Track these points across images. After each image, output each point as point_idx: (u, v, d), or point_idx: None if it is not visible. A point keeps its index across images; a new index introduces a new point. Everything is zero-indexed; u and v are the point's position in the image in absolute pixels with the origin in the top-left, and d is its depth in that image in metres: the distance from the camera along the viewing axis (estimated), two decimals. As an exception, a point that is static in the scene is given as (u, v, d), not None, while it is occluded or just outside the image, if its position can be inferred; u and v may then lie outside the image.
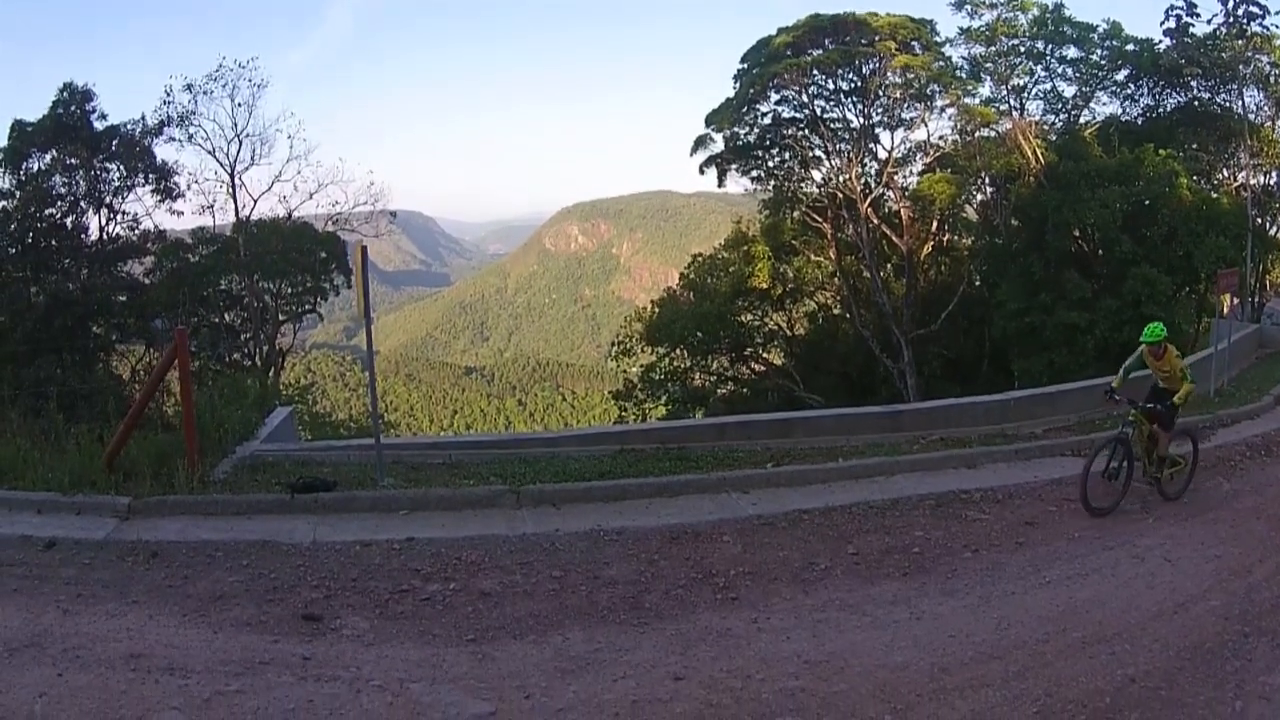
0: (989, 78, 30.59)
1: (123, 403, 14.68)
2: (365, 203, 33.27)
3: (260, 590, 6.68)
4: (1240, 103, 29.79)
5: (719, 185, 33.36)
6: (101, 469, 8.73)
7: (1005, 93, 30.71)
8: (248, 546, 7.43)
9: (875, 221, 31.00)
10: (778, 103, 31.24)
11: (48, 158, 27.16)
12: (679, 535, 8.09)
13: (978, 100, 30.07)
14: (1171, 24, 29.58)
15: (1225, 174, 31.57)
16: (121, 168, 28.32)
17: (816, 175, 32.52)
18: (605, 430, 13.10)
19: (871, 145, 31.80)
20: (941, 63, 29.89)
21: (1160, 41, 29.78)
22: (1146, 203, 26.42)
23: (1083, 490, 8.97)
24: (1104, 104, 31.80)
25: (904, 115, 31.24)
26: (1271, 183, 30.75)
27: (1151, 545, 8.24)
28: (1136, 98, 31.36)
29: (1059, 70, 30.76)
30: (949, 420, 12.68)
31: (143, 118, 29.09)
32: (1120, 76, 30.77)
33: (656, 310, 35.66)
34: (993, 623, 6.50)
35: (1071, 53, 30.28)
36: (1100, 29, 29.89)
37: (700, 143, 32.07)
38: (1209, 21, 29.28)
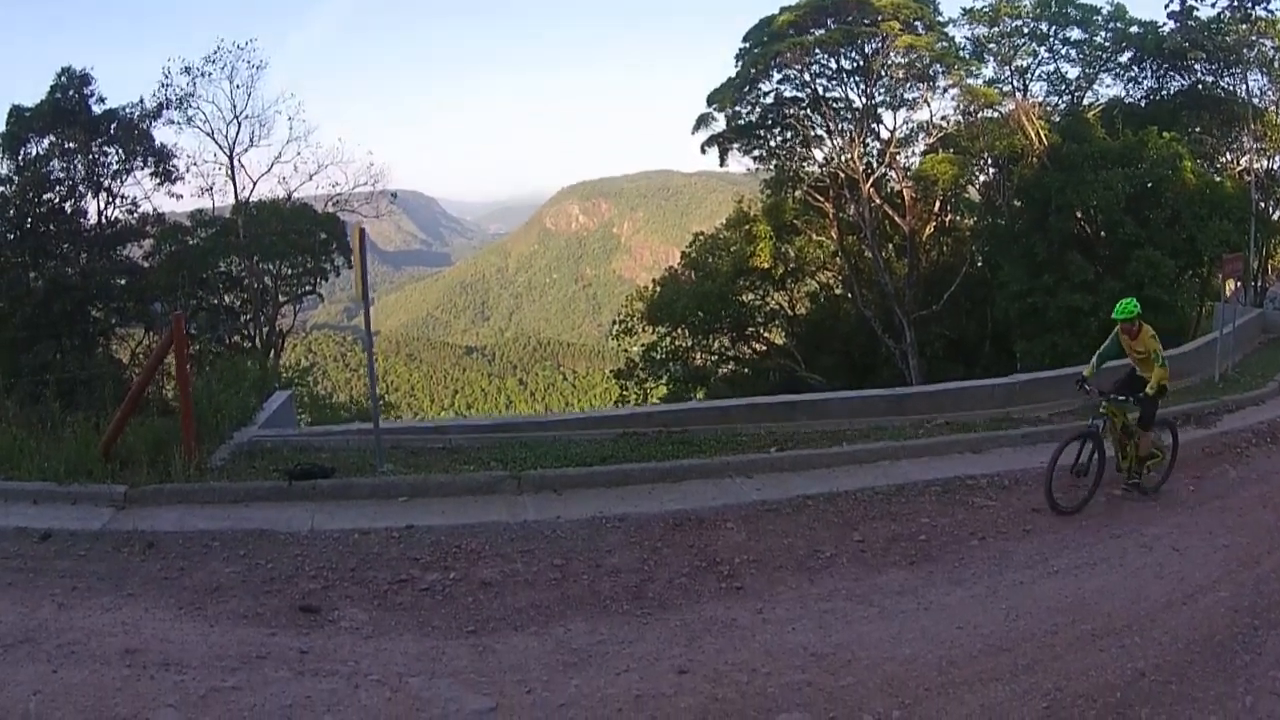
0: (992, 58, 30.43)
1: (121, 387, 14.57)
2: (365, 183, 33.38)
3: (257, 581, 6.58)
4: (1244, 87, 29.69)
5: (721, 164, 33.23)
6: (98, 457, 8.62)
7: (1008, 74, 30.57)
8: (245, 536, 7.32)
9: (877, 201, 30.85)
10: (780, 82, 31.04)
11: (46, 142, 27.05)
12: (682, 522, 7.97)
13: (980, 81, 29.88)
14: (1176, 6, 29.43)
15: (1228, 158, 31.53)
16: (120, 151, 28.19)
17: (818, 155, 32.40)
18: (607, 414, 13.00)
19: (874, 125, 31.64)
20: (944, 43, 29.62)
21: (1164, 24, 29.62)
22: (1149, 185, 26.27)
23: (1047, 487, 8.47)
24: (1107, 86, 31.71)
25: (906, 95, 31.10)
26: (1275, 167, 30.69)
27: (1159, 534, 8.12)
28: (1140, 80, 31.24)
29: (1062, 52, 30.61)
30: (954, 404, 12.58)
31: (141, 101, 29.07)
32: (1124, 59, 30.61)
33: (658, 289, 35.55)
34: (1001, 614, 6.40)
35: (1075, 34, 30.07)
36: (1104, 11, 29.75)
37: (702, 121, 31.86)
38: (1213, 5, 29.13)
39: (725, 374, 34.85)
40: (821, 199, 31.73)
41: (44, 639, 5.65)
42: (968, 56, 30.02)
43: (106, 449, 8.68)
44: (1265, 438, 11.76)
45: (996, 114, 29.22)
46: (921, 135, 31.98)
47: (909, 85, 30.59)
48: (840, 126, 31.17)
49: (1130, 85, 31.28)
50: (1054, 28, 29.74)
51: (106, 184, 27.81)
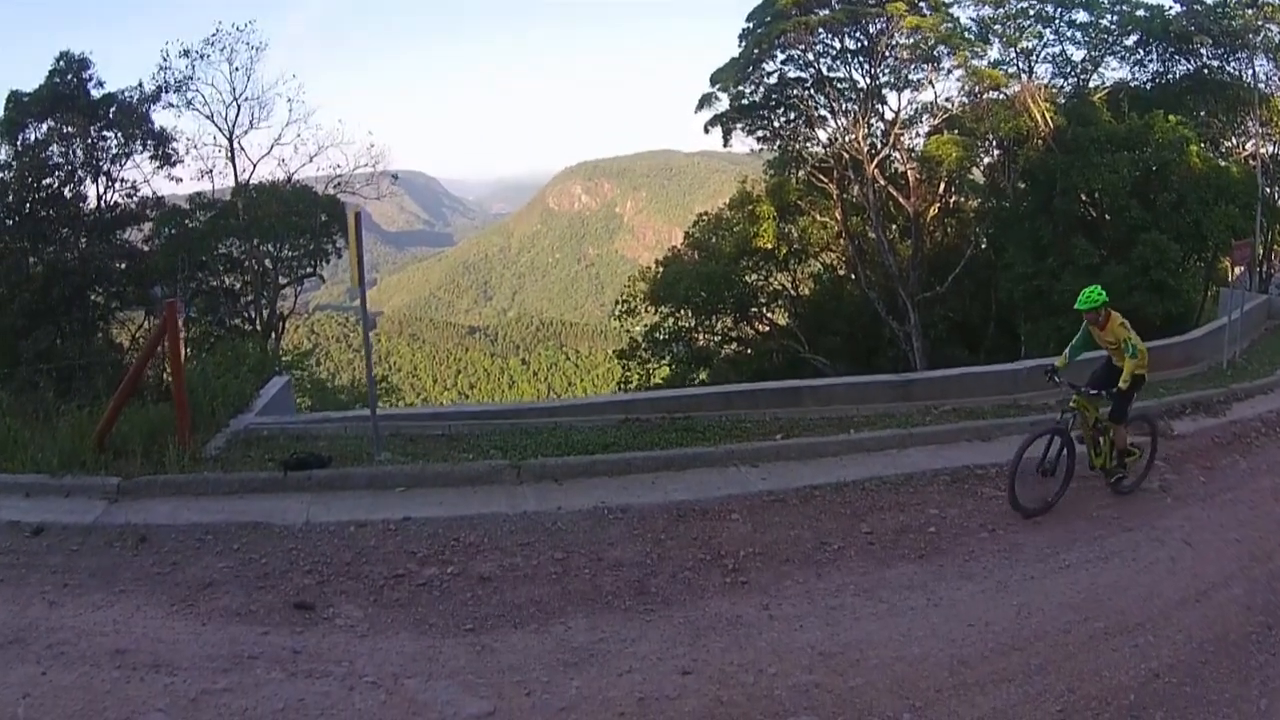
0: (997, 40, 30.22)
1: (119, 373, 14.42)
2: (366, 165, 33.13)
3: (251, 577, 6.44)
4: (1250, 71, 29.45)
5: (724, 145, 32.90)
6: (92, 448, 8.49)
7: (1013, 55, 30.39)
8: (239, 529, 7.18)
9: (882, 182, 30.57)
10: (783, 62, 30.72)
11: (44, 127, 26.75)
12: (686, 513, 7.79)
13: (985, 63, 29.60)
14: (1182, -11, 29.03)
15: (1234, 142, 31.31)
16: (119, 135, 27.89)
17: (822, 135, 32.12)
18: (609, 399, 12.83)
19: (878, 106, 31.32)
20: (949, 24, 29.26)
21: (1170, 7, 29.40)
22: (1155, 169, 26.04)
23: (1010, 486, 7.93)
24: (1113, 69, 31.49)
25: (911, 76, 30.79)
26: (1281, 152, 30.32)
27: (1171, 527, 7.93)
28: (1145, 64, 30.99)
29: (1068, 34, 30.41)
30: (960, 390, 12.37)
31: (140, 85, 28.74)
32: (1129, 42, 30.33)
33: (661, 270, 35.31)
34: (1012, 610, 6.25)
35: (1081, 16, 29.85)
36: (1110, -7, 29.37)
37: (705, 101, 31.52)
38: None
39: (728, 355, 34.66)
40: (825, 179, 31.44)
41: (34, 639, 5.53)
42: (973, 38, 29.70)
43: (100, 439, 8.54)
44: (1275, 427, 11.48)
45: (1002, 96, 28.89)
46: (926, 116, 31.74)
47: (914, 66, 30.28)
48: (844, 107, 30.85)
49: (1136, 68, 31.10)
50: (1059, 9, 29.55)
51: (106, 168, 27.51)
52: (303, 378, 28.66)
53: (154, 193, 28.90)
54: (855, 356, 31.74)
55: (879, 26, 29.33)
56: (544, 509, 7.79)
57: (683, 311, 33.62)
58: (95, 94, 27.28)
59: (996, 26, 29.98)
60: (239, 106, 30.62)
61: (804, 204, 32.60)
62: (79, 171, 26.95)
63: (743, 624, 5.98)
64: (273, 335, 30.10)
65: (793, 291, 34.62)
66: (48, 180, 26.31)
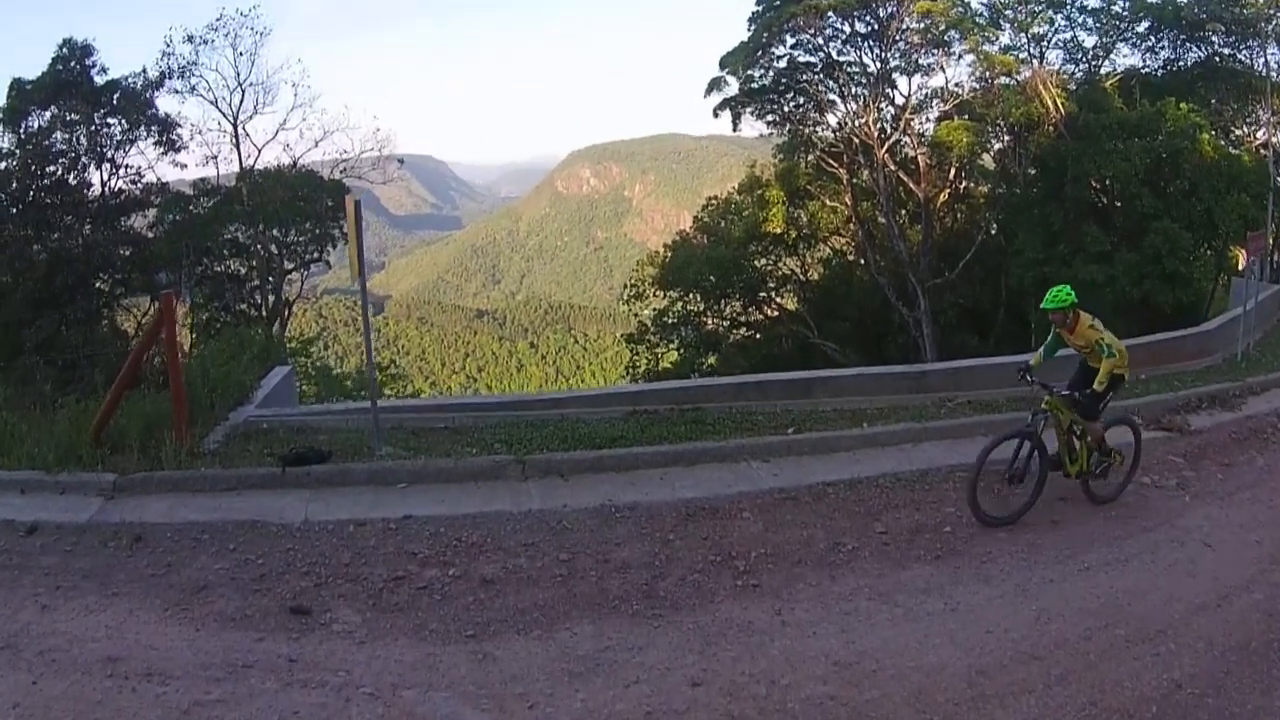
0: (1008, 25, 29.74)
1: (118, 363, 14.26)
2: (371, 149, 32.88)
3: (246, 579, 6.26)
4: (1262, 60, 29.04)
5: (734, 129, 32.46)
6: (89, 442, 8.32)
7: (1024, 41, 29.92)
8: (235, 528, 7.00)
9: (892, 167, 30.20)
10: (793, 46, 30.24)
11: (48, 115, 26.55)
12: (695, 511, 7.57)
13: (996, 48, 29.12)
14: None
15: (1245, 131, 30.93)
16: (123, 121, 27.70)
17: (832, 120, 31.73)
18: (617, 390, 12.65)
19: (888, 90, 30.89)
20: (960, 8, 28.82)
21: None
22: (1166, 157, 25.70)
23: (971, 491, 7.39)
24: (1125, 56, 30.97)
25: (922, 61, 30.27)
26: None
27: (1190, 527, 7.69)
28: (1157, 50, 30.49)
29: (1079, 20, 29.97)
30: (974, 381, 12.07)
31: (144, 71, 28.52)
32: (1141, 28, 29.84)
33: (669, 254, 35.06)
34: (1031, 616, 6.04)
35: (1092, 2, 29.55)
36: (1121, -22, 28.99)
37: (714, 85, 31.16)
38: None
39: (737, 339, 34.46)
40: (835, 164, 31.10)
41: (26, 645, 5.39)
42: (984, 23, 29.30)
43: (97, 433, 8.39)
44: (1292, 423, 11.20)
45: (1013, 82, 28.50)
46: (936, 101, 31.23)
47: (924, 51, 29.80)
48: (854, 91, 30.48)
49: (1147, 55, 30.64)
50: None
51: (110, 155, 27.33)
52: (307, 365, 28.54)
53: (158, 179, 28.76)
54: (865, 342, 31.56)
55: (889, 10, 28.89)
56: (549, 507, 7.59)
57: (692, 296, 33.44)
58: (98, 80, 27.06)
59: (1008, 11, 29.56)
60: (243, 92, 30.44)
61: (813, 188, 32.26)
62: (83, 158, 26.77)
63: (754, 630, 5.78)
64: (277, 322, 29.96)
65: (802, 276, 34.36)
66: (51, 168, 26.14)
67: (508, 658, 5.42)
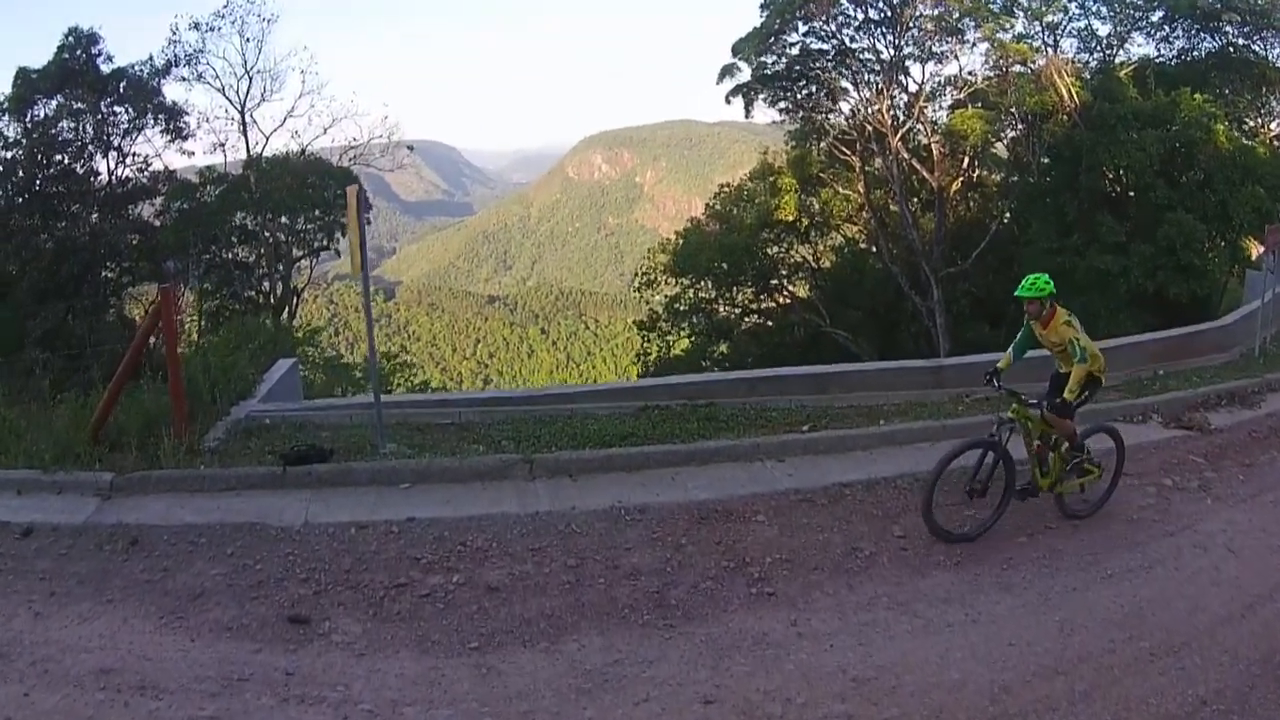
0: (1022, 13, 29.27)
1: (118, 357, 14.11)
2: (381, 136, 32.72)
3: (244, 586, 6.06)
4: (1277, 51, 28.67)
5: (746, 115, 32.15)
6: (87, 440, 8.13)
7: (1038, 29, 29.48)
8: (234, 531, 6.80)
9: (905, 155, 29.82)
10: (805, 33, 29.87)
11: (54, 104, 26.43)
12: (708, 514, 7.33)
13: (1010, 36, 28.68)
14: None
15: (1258, 122, 30.38)
16: (130, 110, 27.56)
17: (844, 107, 31.33)
18: (627, 385, 12.40)
19: (901, 78, 30.48)
20: (974, -4, 28.34)
21: (1197, -17, 28.43)
22: (1180, 147, 25.27)
23: (926, 504, 6.90)
24: (1139, 45, 30.60)
25: (935, 48, 29.80)
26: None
27: (1213, 531, 7.42)
28: (1171, 40, 30.03)
29: (1093, 8, 29.58)
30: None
31: (150, 59, 28.44)
32: (1155, 17, 29.41)
33: (681, 241, 34.79)
34: (1055, 627, 5.82)
35: (1107, -10, 29.02)
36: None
37: (727, 72, 30.82)
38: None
39: (748, 327, 34.17)
40: (848, 152, 30.77)
41: (18, 655, 5.22)
42: (998, 10, 28.86)
43: (95, 430, 8.21)
44: (1313, 421, 10.85)
45: (1027, 70, 28.10)
46: (950, 89, 30.87)
47: (938, 38, 29.37)
48: (867, 78, 30.10)
49: (1162, 45, 30.19)
50: (1086, -18, 28.74)
51: (116, 143, 27.20)
52: (313, 354, 28.42)
53: (166, 167, 28.70)
54: (877, 331, 31.27)
55: (903, -3, 28.53)
56: (557, 509, 7.36)
57: (703, 283, 33.16)
58: (105, 69, 26.91)
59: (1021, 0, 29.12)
60: (250, 79, 30.41)
61: (826, 176, 31.95)
62: (89, 147, 26.67)
63: (769, 643, 5.56)
64: (285, 311, 29.86)
65: (814, 264, 34.02)
66: (58, 156, 26.05)
67: (512, 672, 5.22)
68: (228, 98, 30.30)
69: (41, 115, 26.21)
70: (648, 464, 8.35)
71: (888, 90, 29.71)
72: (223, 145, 30.05)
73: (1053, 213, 26.89)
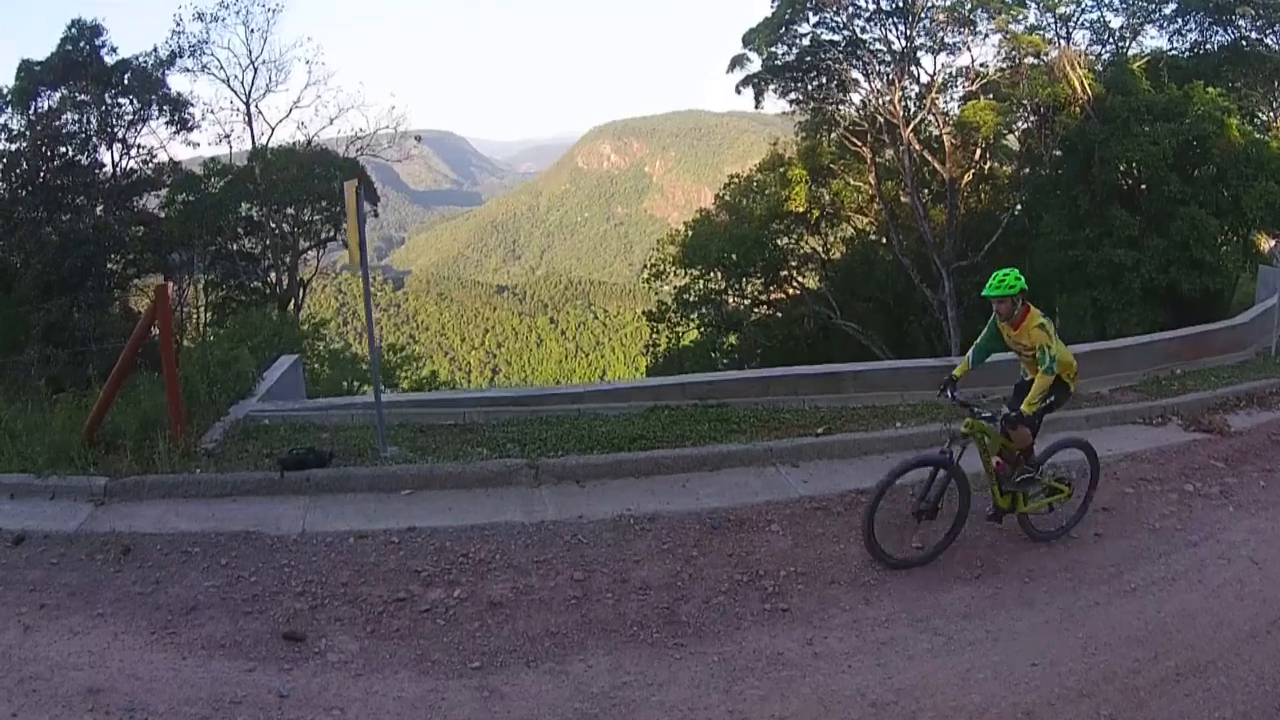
0: (1034, 4, 29.03)
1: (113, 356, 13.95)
2: (387, 126, 32.53)
3: (238, 599, 5.84)
4: None
5: (756, 105, 31.75)
6: (81, 442, 7.93)
7: (1051, 21, 29.26)
8: (229, 540, 6.57)
9: (916, 147, 29.50)
10: (816, 24, 29.56)
11: (57, 95, 26.26)
12: (721, 523, 7.07)
13: (1022, 27, 28.43)
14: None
15: (1271, 116, 30.17)
16: (134, 101, 27.37)
17: (855, 98, 31.05)
18: (636, 384, 12.12)
19: (913, 69, 30.19)
20: (986, -15, 27.98)
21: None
22: (1193, 141, 25.00)
23: (867, 526, 6.41)
24: (1152, 38, 30.56)
25: (947, 39, 29.53)
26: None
27: (1236, 541, 7.11)
28: (1184, 33, 29.82)
29: (1106, 1, 29.43)
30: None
31: (154, 50, 28.22)
32: (1168, 10, 29.24)
33: (690, 231, 34.54)
34: (1078, 645, 5.57)
35: (1120, -18, 28.72)
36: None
37: (737, 62, 30.50)
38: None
39: (758, 318, 33.95)
40: (858, 143, 30.46)
41: (6, 672, 5.04)
42: (1010, 2, 28.56)
43: (90, 433, 8.01)
44: (1334, 426, 10.49)
45: (1040, 62, 27.80)
46: (962, 81, 30.62)
47: (950, 29, 29.07)
48: (878, 69, 29.76)
49: (1174, 38, 29.97)
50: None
51: (121, 135, 27.04)
52: (318, 347, 28.29)
53: (171, 158, 28.59)
54: (887, 324, 31.07)
55: (914, -13, 28.20)
56: (563, 518, 7.10)
57: (713, 274, 32.95)
58: (108, 60, 26.74)
59: (1034, -10, 28.87)
60: (255, 70, 30.23)
61: (836, 167, 31.67)
62: (94, 139, 26.46)
63: (784, 663, 5.32)
64: (291, 303, 29.69)
65: (824, 256, 33.77)
66: (62, 148, 25.82)
67: (516, 695, 5.00)
68: (232, 89, 30.25)
69: (45, 107, 26.03)
70: (658, 469, 8.10)
71: (899, 81, 29.42)
72: (228, 136, 29.94)
73: (1065, 205, 26.62)
